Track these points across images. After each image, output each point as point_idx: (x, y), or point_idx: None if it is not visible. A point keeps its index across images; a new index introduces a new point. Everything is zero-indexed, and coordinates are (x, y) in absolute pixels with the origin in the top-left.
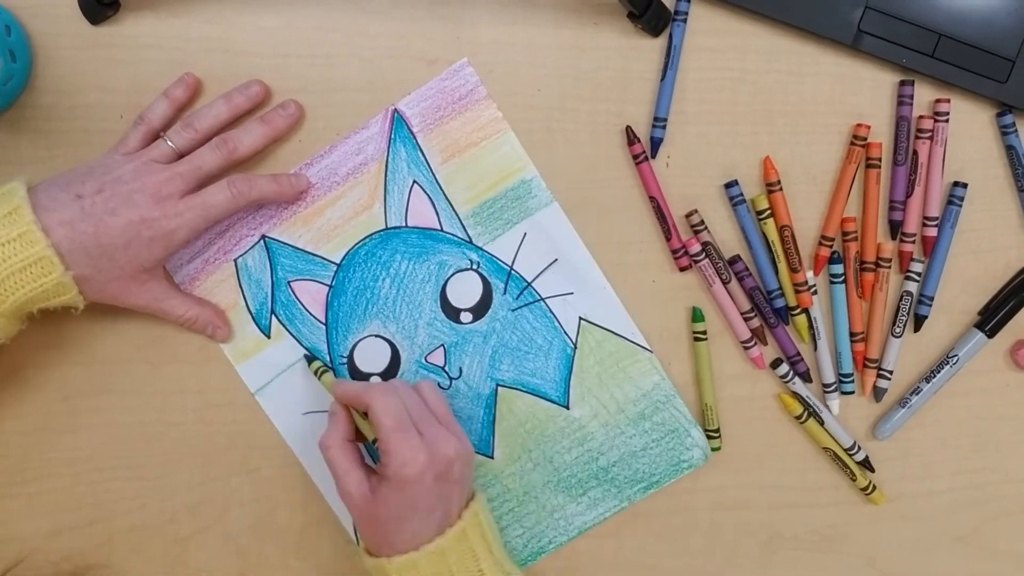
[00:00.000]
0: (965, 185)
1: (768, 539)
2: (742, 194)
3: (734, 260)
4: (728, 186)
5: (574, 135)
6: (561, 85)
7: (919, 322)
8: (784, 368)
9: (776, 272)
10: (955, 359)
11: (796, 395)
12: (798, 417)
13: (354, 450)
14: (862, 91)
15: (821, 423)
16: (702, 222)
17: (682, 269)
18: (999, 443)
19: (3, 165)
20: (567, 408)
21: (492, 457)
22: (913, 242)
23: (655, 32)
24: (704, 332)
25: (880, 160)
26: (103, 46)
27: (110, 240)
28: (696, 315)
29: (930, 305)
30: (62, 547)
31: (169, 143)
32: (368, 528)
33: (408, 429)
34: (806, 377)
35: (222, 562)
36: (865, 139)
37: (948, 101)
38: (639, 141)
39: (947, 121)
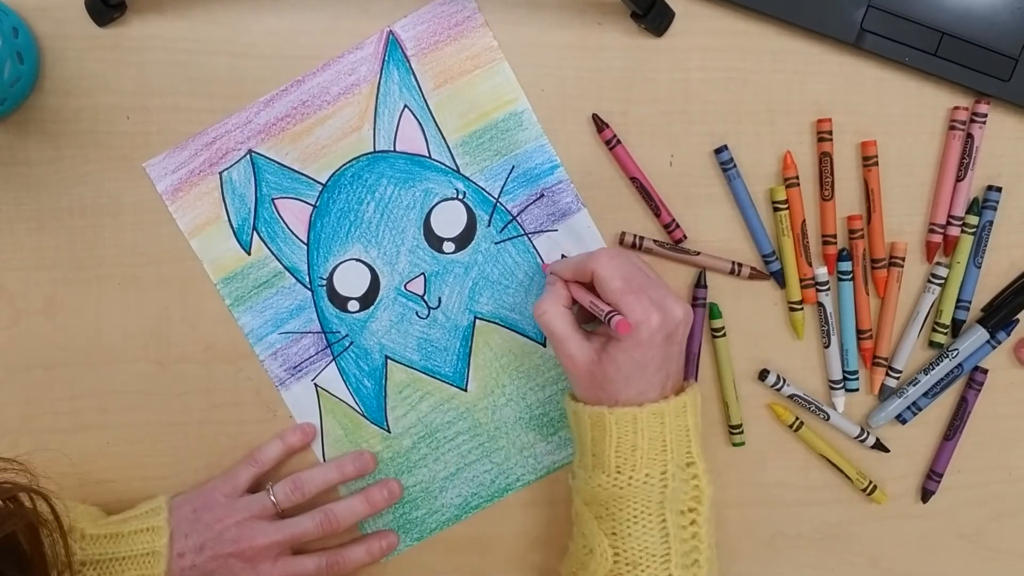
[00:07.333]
0: (999, 189)
1: (771, 537)
2: (732, 159)
3: None
4: (718, 151)
5: (577, 135)
6: (564, 85)
7: (956, 327)
8: (772, 378)
9: (768, 240)
10: (955, 352)
11: (792, 397)
12: (791, 425)
13: (570, 316)
14: (865, 90)
15: (827, 418)
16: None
17: (677, 242)
18: (1003, 441)
19: (12, 166)
20: (543, 346)
21: (465, 390)
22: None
23: (658, 32)
24: (722, 329)
25: (876, 158)
26: (110, 48)
27: None
28: (714, 311)
29: (967, 309)
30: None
31: (273, 499)
32: (590, 387)
33: (639, 291)
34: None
35: None
36: (830, 132)
37: (988, 103)
38: (608, 127)
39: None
